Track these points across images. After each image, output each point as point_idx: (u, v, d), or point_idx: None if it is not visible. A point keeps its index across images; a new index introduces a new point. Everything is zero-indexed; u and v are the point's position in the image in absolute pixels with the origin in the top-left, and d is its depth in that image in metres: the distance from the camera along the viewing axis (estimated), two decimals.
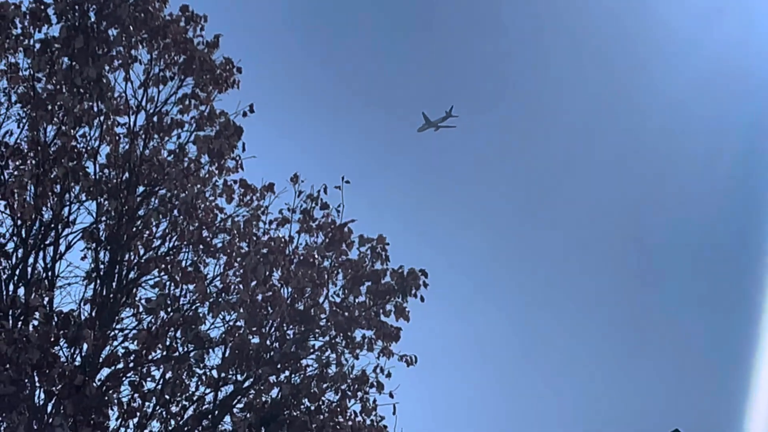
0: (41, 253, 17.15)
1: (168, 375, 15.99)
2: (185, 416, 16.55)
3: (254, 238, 17.90)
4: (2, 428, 14.95)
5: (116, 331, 17.04)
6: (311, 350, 17.06)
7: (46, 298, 16.72)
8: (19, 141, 17.54)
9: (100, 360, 16.19)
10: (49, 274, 17.12)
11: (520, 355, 45.53)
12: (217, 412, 16.77)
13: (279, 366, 16.69)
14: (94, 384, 15.43)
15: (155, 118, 17.98)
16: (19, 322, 15.97)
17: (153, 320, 16.66)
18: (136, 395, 16.07)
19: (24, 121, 17.53)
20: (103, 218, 17.31)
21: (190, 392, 16.66)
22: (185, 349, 16.31)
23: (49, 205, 17.19)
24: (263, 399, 17.05)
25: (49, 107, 17.11)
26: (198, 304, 16.87)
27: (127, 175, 17.54)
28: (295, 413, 16.72)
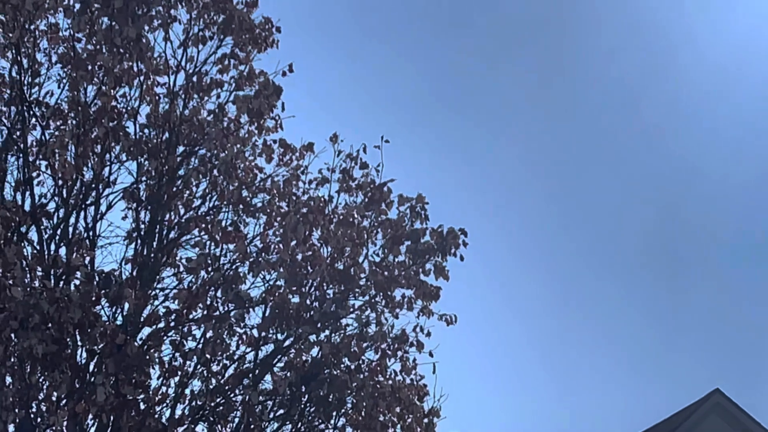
0: (82, 213, 17.24)
1: (209, 334, 16.04)
2: (226, 375, 16.63)
3: (294, 198, 17.88)
4: (45, 387, 15.07)
5: (157, 291, 17.14)
6: (351, 309, 17.07)
7: (88, 258, 16.81)
8: (59, 101, 17.62)
9: (141, 319, 16.27)
10: (90, 233, 17.21)
11: (561, 316, 45.35)
12: (257, 371, 16.83)
13: (319, 325, 16.69)
14: (136, 343, 15.51)
15: (195, 78, 17.98)
16: (61, 282, 16.08)
17: (193, 280, 16.72)
18: (177, 354, 16.15)
19: (64, 81, 17.59)
20: (144, 178, 17.36)
21: (231, 351, 16.71)
22: (226, 309, 16.36)
23: (89, 165, 17.25)
24: (303, 358, 17.09)
25: (89, 67, 17.13)
26: (238, 264, 16.90)
27: (167, 135, 17.56)
28: (335, 372, 16.75)
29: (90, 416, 15.48)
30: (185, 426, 15.96)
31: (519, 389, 43.87)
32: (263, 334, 16.65)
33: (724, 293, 45.80)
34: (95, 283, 15.50)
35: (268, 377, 17.15)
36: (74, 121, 17.25)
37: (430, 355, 17.39)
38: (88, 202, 17.30)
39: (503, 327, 44.16)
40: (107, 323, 15.39)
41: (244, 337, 16.74)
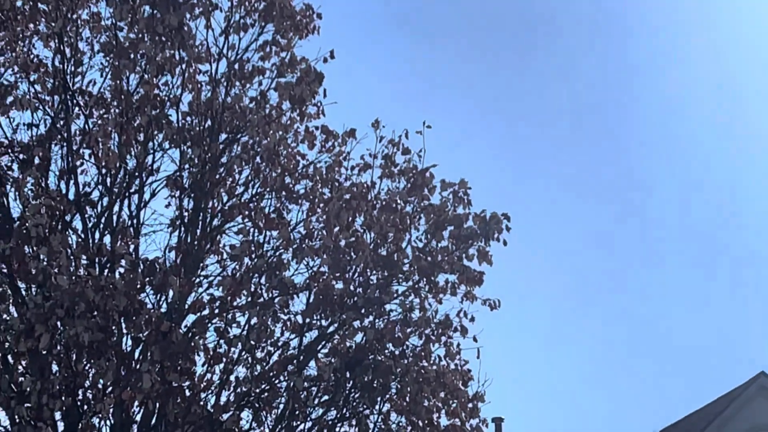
0: (126, 201, 17.34)
1: (253, 321, 16.06)
2: (270, 361, 16.67)
3: (336, 184, 17.89)
4: (91, 374, 15.15)
5: (201, 278, 17.19)
6: (395, 295, 17.07)
7: (132, 246, 16.89)
8: (102, 90, 17.69)
9: (186, 306, 16.32)
10: (134, 221, 17.30)
11: (606, 301, 45.24)
12: (302, 357, 16.86)
13: (363, 311, 16.71)
14: (181, 330, 15.57)
15: (236, 66, 18.01)
16: (106, 270, 16.16)
17: (237, 267, 16.75)
18: (221, 341, 16.19)
19: (107, 70, 17.67)
20: (187, 166, 17.41)
21: (275, 338, 16.74)
22: (270, 295, 16.38)
23: (133, 153, 17.33)
24: (348, 344, 17.11)
25: (132, 56, 17.19)
26: (282, 250, 16.92)
27: (209, 122, 17.60)
28: (379, 358, 16.76)
29: (136, 403, 15.57)
30: (230, 412, 16.00)
31: (562, 373, 43.79)
32: (307, 320, 16.68)
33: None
34: (140, 270, 15.57)
35: (312, 363, 17.17)
36: (117, 110, 17.32)
37: (474, 340, 17.39)
38: (132, 191, 17.38)
39: (547, 311, 44.11)
40: (152, 311, 15.44)
41: (288, 323, 16.78)
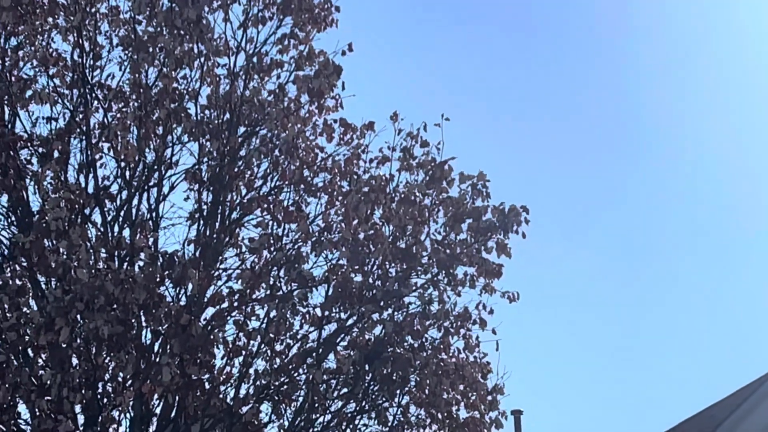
0: (145, 195, 17.37)
1: (272, 314, 16.07)
2: (290, 354, 16.67)
3: (355, 177, 17.88)
4: (111, 367, 15.19)
5: (220, 271, 17.22)
6: (413, 288, 17.05)
7: (151, 239, 16.93)
8: (121, 84, 17.72)
9: (205, 299, 16.35)
10: (153, 215, 17.33)
11: (625, 293, 45.09)
12: (321, 350, 16.86)
13: (382, 304, 16.69)
14: (200, 323, 15.59)
15: (255, 59, 18.02)
16: (125, 263, 16.19)
17: (256, 260, 16.78)
18: (241, 334, 16.19)
19: (125, 63, 17.69)
20: (206, 159, 17.43)
21: (294, 330, 16.75)
22: (289, 288, 16.38)
23: (151, 146, 17.36)
24: (367, 337, 17.12)
25: (150, 49, 17.21)
26: (300, 243, 16.93)
27: (228, 115, 17.63)
28: (398, 350, 16.76)
29: (156, 396, 15.62)
30: (250, 405, 16.03)
31: (582, 365, 43.69)
32: (326, 313, 16.68)
33: None
34: (159, 264, 15.58)
35: (331, 356, 17.20)
36: (136, 103, 17.35)
37: (493, 332, 17.36)
38: (151, 184, 17.41)
39: (566, 304, 44.02)
40: (171, 304, 15.46)
41: (307, 316, 16.78)
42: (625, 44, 43.55)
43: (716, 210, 45.38)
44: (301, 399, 16.67)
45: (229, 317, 16.30)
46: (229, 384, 16.40)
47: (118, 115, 17.50)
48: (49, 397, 14.68)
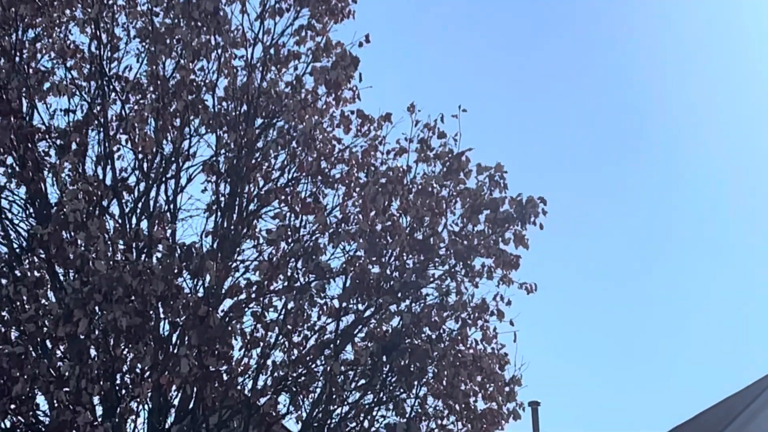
0: (163, 186, 17.40)
1: (290, 305, 16.09)
2: (307, 346, 16.68)
3: (372, 168, 17.87)
4: (129, 359, 15.23)
5: (238, 263, 17.23)
6: (431, 279, 17.04)
7: (169, 231, 16.96)
8: (138, 75, 17.75)
9: (223, 291, 16.37)
10: (171, 206, 17.36)
11: (643, 283, 45.02)
12: (338, 341, 16.86)
13: (399, 295, 16.68)
14: (218, 315, 15.61)
15: (272, 50, 18.03)
16: (143, 255, 16.23)
17: (274, 251, 16.79)
18: (258, 325, 16.22)
19: (143, 55, 17.72)
20: (223, 151, 17.45)
21: (312, 322, 16.75)
22: (306, 280, 16.40)
23: (169, 138, 17.38)
24: (384, 328, 17.11)
25: (168, 41, 17.24)
26: (318, 235, 16.94)
27: (245, 107, 17.64)
28: (416, 342, 16.74)
29: (174, 387, 15.65)
30: (267, 397, 16.05)
31: (599, 356, 43.69)
32: (344, 304, 16.68)
33: None
34: (177, 255, 15.60)
35: (349, 347, 17.20)
36: (153, 95, 17.37)
37: (511, 323, 17.32)
38: (168, 176, 17.44)
39: (583, 295, 43.98)
40: (189, 295, 15.49)
41: (324, 307, 16.78)
42: (654, 30, 43.33)
43: (736, 205, 45.20)
44: (318, 390, 16.68)
45: (246, 309, 16.32)
46: (246, 375, 16.43)
47: (136, 107, 17.53)
48: (67, 389, 14.71)
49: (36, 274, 15.94)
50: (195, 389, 15.56)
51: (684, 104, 44.35)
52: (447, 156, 17.64)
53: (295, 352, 16.46)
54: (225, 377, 15.54)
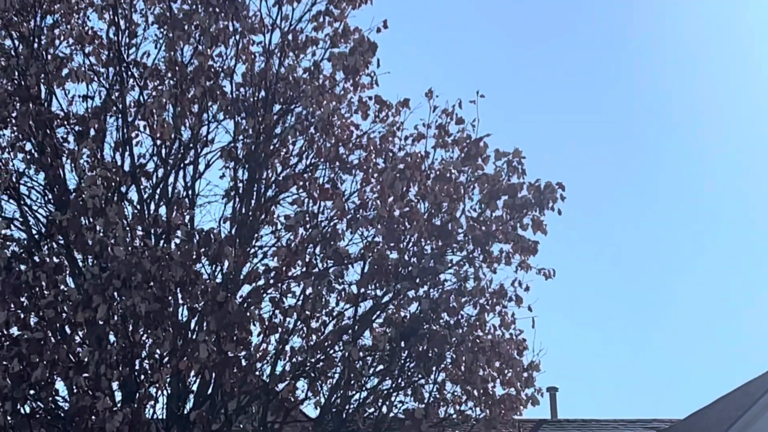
0: (181, 172, 17.44)
1: (308, 291, 16.11)
2: (325, 332, 16.69)
3: (390, 154, 17.86)
4: (148, 345, 15.26)
5: (256, 248, 17.28)
6: (449, 265, 17.03)
7: (187, 217, 16.98)
8: (157, 62, 17.76)
9: (241, 277, 16.40)
10: (189, 192, 17.39)
11: (660, 269, 44.87)
12: (357, 327, 16.88)
13: (417, 281, 16.69)
14: (236, 300, 15.63)
15: (290, 36, 18.02)
16: (162, 241, 16.27)
17: (292, 237, 16.78)
18: (277, 311, 16.24)
19: (161, 41, 17.73)
20: (241, 137, 17.46)
21: (330, 308, 16.77)
22: (324, 265, 16.41)
23: (187, 124, 17.39)
24: (402, 314, 17.12)
25: (186, 27, 17.24)
26: (336, 221, 16.94)
27: (263, 93, 17.64)
28: (434, 327, 16.73)
29: (192, 373, 15.69)
30: (286, 382, 16.07)
31: (617, 343, 43.60)
32: (362, 290, 16.70)
33: None
34: (195, 241, 15.63)
35: (367, 333, 17.21)
36: (171, 81, 17.39)
37: (529, 309, 17.29)
38: (187, 162, 17.47)
39: (601, 280, 43.89)
40: (208, 281, 15.51)
41: (343, 293, 16.79)
42: (677, 21, 43.11)
43: (755, 201, 44.96)
44: (337, 376, 16.70)
45: (265, 294, 16.34)
46: (265, 361, 16.45)
47: (154, 93, 17.54)
48: (86, 374, 14.76)
49: (55, 260, 15.97)
50: (213, 375, 15.60)
51: (706, 87, 44.12)
52: (465, 141, 17.62)
53: (314, 337, 16.47)
54: (243, 363, 15.56)
